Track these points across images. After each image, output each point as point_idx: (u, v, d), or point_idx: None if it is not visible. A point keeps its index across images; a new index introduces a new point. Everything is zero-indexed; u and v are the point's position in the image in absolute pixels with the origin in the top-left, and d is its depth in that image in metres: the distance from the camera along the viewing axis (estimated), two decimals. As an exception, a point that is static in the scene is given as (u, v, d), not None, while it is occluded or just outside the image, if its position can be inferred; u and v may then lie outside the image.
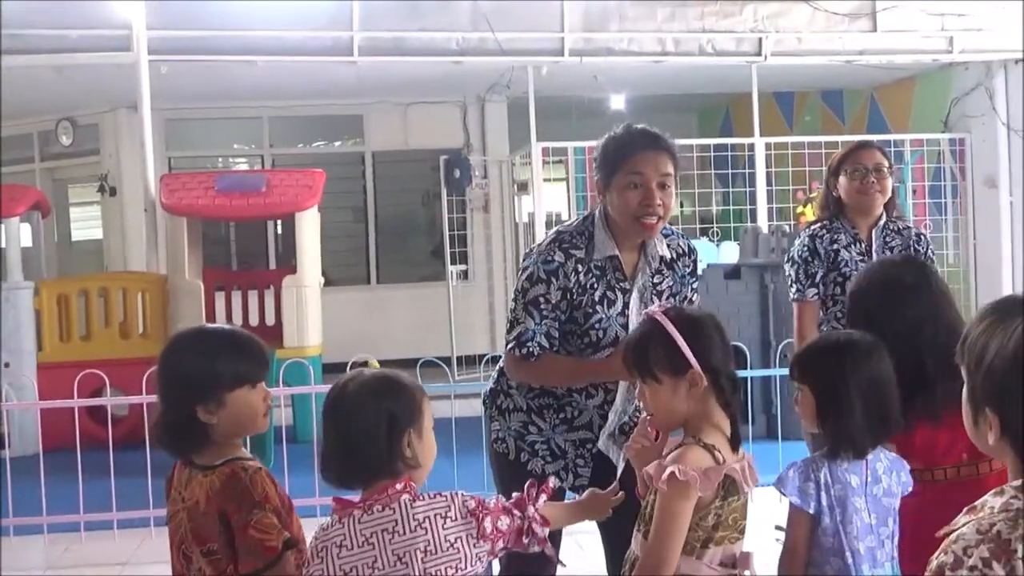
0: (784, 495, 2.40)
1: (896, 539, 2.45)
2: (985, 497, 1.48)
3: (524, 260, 2.91)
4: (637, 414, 3.00)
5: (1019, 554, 1.37)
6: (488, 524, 2.09)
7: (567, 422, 2.90)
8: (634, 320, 2.85)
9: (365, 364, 2.28)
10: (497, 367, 3.04)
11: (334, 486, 2.15)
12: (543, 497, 2.21)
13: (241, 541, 2.19)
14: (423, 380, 5.45)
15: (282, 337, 7.63)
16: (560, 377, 2.87)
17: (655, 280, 2.91)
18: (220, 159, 12.26)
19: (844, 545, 2.37)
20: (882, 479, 2.45)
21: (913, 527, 2.46)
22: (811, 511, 2.37)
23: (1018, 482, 1.45)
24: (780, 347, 6.55)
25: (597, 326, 2.83)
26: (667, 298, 2.91)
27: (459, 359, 9.87)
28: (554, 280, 2.80)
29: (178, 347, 2.39)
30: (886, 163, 4.00)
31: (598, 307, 2.82)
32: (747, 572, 2.28)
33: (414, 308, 11.14)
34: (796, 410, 2.54)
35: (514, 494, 2.24)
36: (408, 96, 10.96)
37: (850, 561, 2.37)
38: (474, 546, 2.08)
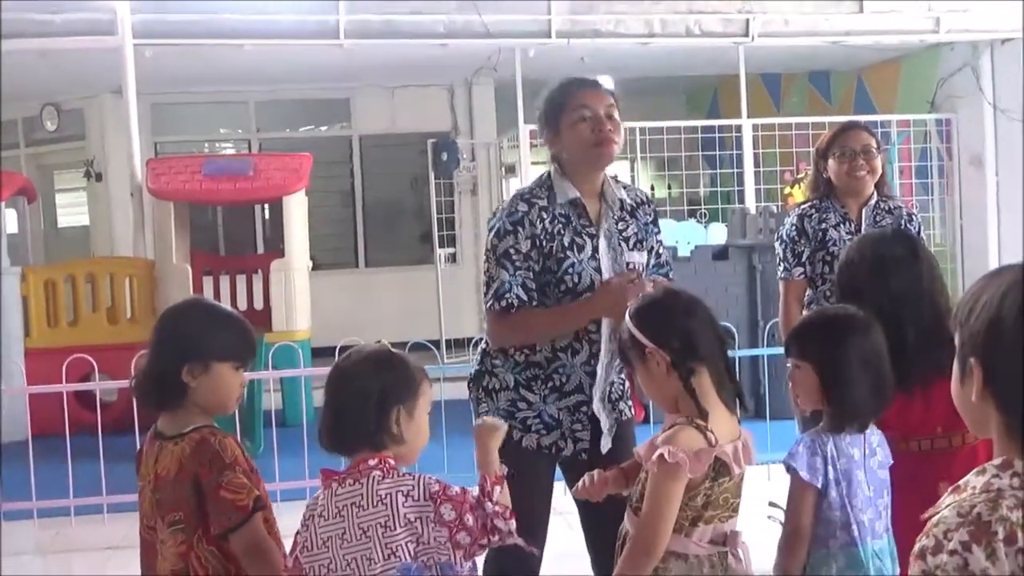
0: (795, 470, 2.41)
1: (890, 510, 2.47)
2: (968, 476, 1.47)
3: (489, 222, 2.95)
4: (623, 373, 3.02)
5: (999, 536, 1.35)
6: (446, 511, 2.10)
7: (557, 389, 2.89)
8: (606, 264, 2.89)
9: (379, 343, 2.33)
10: (479, 349, 3.04)
11: (325, 451, 2.22)
12: (497, 489, 2.21)
13: (212, 502, 2.26)
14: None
15: (271, 321, 7.63)
16: (543, 327, 2.88)
17: (620, 227, 2.95)
18: (207, 144, 12.21)
19: (851, 518, 2.39)
20: (877, 451, 2.49)
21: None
22: (819, 485, 2.39)
23: (998, 460, 1.43)
24: (768, 327, 6.57)
25: (571, 271, 2.85)
26: (634, 244, 2.96)
27: (448, 342, 9.87)
28: (521, 230, 2.83)
29: (186, 308, 2.52)
30: (874, 143, 4.01)
31: (568, 252, 2.85)
32: (738, 550, 2.30)
33: (403, 292, 11.13)
34: (789, 388, 2.55)
35: (475, 491, 2.22)
36: (395, 79, 10.92)
37: (856, 533, 2.39)
38: (433, 530, 2.09)
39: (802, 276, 4.02)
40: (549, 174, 2.94)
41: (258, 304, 8.32)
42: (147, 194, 7.94)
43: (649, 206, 3.05)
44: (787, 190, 8.96)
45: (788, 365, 2.56)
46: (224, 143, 12.34)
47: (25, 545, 5.35)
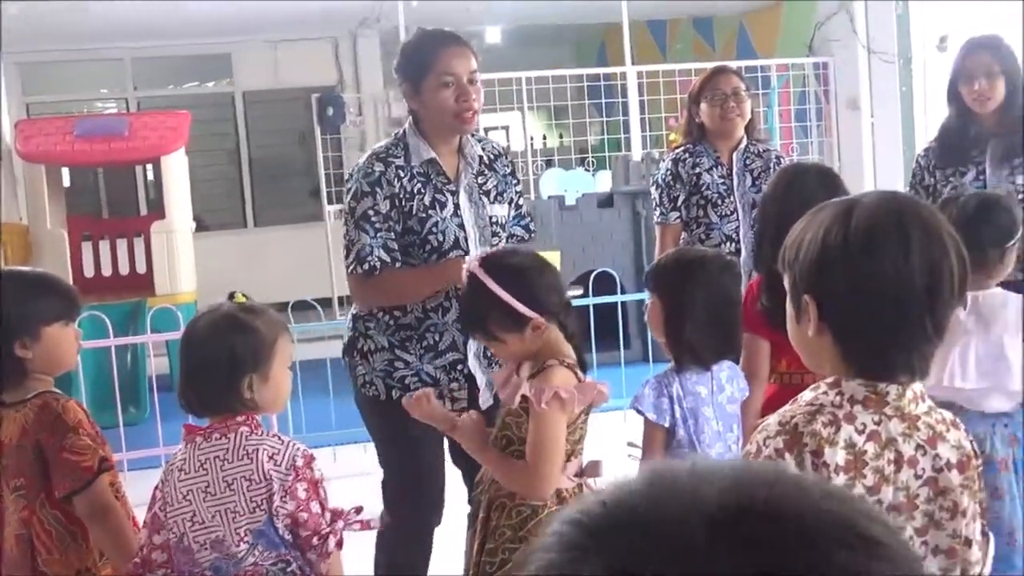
0: (641, 412, 2.46)
1: (741, 444, 2.55)
2: (804, 392, 1.54)
3: (346, 183, 2.90)
4: None
5: (808, 448, 1.44)
6: (300, 489, 2.09)
7: (432, 348, 2.87)
8: (469, 220, 2.88)
9: (232, 297, 2.28)
10: (350, 314, 2.99)
11: (187, 412, 2.25)
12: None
13: (56, 465, 2.27)
14: (298, 321, 5.27)
15: (154, 285, 7.46)
16: (409, 288, 2.85)
17: (480, 181, 2.94)
18: (85, 104, 11.80)
19: (699, 454, 2.45)
20: (725, 387, 2.55)
21: None
22: (666, 425, 2.45)
23: (831, 379, 1.51)
24: (653, 272, 6.66)
25: (435, 230, 2.82)
26: (495, 197, 2.95)
27: (340, 299, 9.79)
28: (379, 190, 2.79)
29: None
30: (743, 87, 4.12)
31: (431, 211, 2.82)
32: (598, 478, 2.35)
33: (294, 249, 10.96)
34: (645, 319, 2.62)
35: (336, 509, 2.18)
36: (277, 33, 10.68)
37: None
38: (281, 499, 2.08)
39: (678, 220, 4.10)
40: (404, 131, 2.89)
41: (140, 268, 8.12)
42: (17, 157, 7.65)
43: (506, 158, 3.04)
44: (671, 136, 9.05)
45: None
46: (102, 103, 11.94)
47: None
